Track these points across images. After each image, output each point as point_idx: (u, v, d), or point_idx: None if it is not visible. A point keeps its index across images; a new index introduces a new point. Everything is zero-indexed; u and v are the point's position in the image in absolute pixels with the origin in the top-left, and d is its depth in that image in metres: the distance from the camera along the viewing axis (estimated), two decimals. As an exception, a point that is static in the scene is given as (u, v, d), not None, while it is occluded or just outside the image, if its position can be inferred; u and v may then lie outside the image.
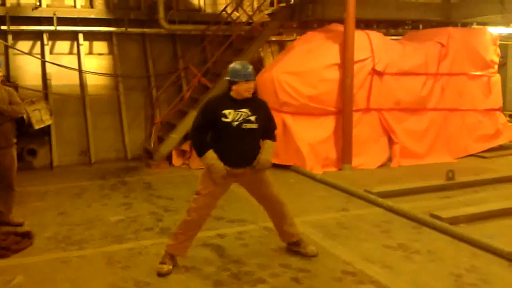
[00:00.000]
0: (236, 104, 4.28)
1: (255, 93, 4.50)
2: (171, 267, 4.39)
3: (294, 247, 4.82)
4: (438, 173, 7.63)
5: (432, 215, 5.74)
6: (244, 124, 4.26)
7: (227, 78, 4.32)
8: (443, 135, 9.42)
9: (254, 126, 4.31)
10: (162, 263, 4.40)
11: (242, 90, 4.26)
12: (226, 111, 4.23)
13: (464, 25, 11.63)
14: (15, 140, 5.72)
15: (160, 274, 4.32)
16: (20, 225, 5.70)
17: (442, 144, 9.40)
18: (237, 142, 4.30)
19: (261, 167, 4.44)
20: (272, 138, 4.60)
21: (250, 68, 4.34)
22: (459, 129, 9.58)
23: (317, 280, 4.26)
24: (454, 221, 5.61)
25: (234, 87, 4.28)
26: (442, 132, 9.41)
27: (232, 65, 4.36)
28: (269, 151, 4.49)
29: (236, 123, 4.23)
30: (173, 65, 10.49)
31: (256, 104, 4.41)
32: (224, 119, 4.22)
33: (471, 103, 9.72)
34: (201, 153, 4.29)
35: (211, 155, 4.25)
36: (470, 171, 8.18)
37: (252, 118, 4.28)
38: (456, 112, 9.58)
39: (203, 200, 4.38)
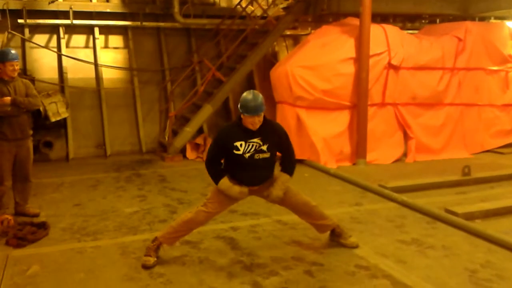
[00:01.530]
0: (247, 134, 4.27)
1: (266, 119, 4.36)
2: (156, 259, 4.40)
3: (335, 238, 4.85)
4: (454, 169, 7.56)
5: (447, 211, 5.69)
6: (257, 155, 4.28)
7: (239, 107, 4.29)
8: (459, 130, 9.32)
9: (266, 155, 4.32)
10: (148, 255, 4.39)
11: (247, 122, 4.25)
12: (237, 143, 4.24)
13: (482, 19, 11.48)
14: (31, 132, 5.79)
15: (147, 267, 4.32)
16: (36, 215, 5.78)
17: (458, 140, 9.30)
18: (250, 169, 4.35)
19: (271, 201, 4.49)
20: (290, 172, 4.51)
21: (258, 102, 4.18)
22: (475, 125, 9.47)
23: (330, 273, 4.25)
24: (470, 216, 5.55)
25: (242, 117, 4.28)
26: (459, 128, 9.31)
27: (243, 95, 4.26)
28: (281, 187, 4.44)
29: (248, 154, 4.26)
30: (188, 59, 10.52)
31: (268, 131, 4.34)
32: (236, 152, 4.25)
33: (488, 98, 9.60)
34: (216, 182, 4.36)
35: (226, 183, 4.32)
36: (487, 167, 8.10)
37: (264, 147, 4.29)
38: (473, 107, 9.47)
39: (213, 206, 4.44)
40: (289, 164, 4.54)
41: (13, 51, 5.57)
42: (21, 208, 5.82)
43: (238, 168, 4.34)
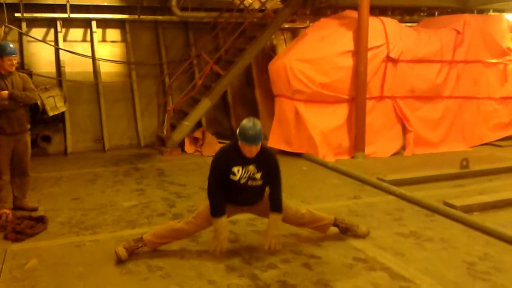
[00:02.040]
0: (244, 159, 4.29)
1: (264, 147, 4.37)
2: (127, 257, 4.37)
3: (346, 233, 4.89)
4: (453, 162, 7.56)
5: (446, 203, 5.70)
6: (250, 181, 4.34)
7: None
8: (458, 123, 9.32)
9: (259, 183, 4.38)
10: (125, 248, 4.38)
11: (245, 150, 4.26)
12: (235, 169, 4.29)
13: (480, 11, 11.45)
14: (29, 126, 5.78)
15: (118, 259, 4.31)
16: (35, 209, 5.78)
17: (456, 133, 9.31)
18: (243, 193, 4.43)
19: (271, 245, 4.44)
20: (279, 209, 4.48)
21: (257, 131, 4.17)
22: (474, 118, 9.47)
23: (328, 266, 4.26)
24: (468, 209, 5.56)
25: (240, 144, 4.26)
26: (457, 121, 9.32)
27: (243, 122, 4.25)
28: (276, 225, 4.47)
29: (243, 180, 4.32)
30: (186, 52, 10.49)
31: (263, 159, 4.35)
32: (232, 177, 4.30)
33: (486, 91, 9.60)
34: (214, 215, 4.34)
35: (222, 222, 4.33)
36: (485, 159, 8.11)
37: (257, 175, 4.34)
38: (471, 100, 9.47)
39: (202, 222, 4.46)
40: (278, 200, 4.50)
41: (11, 45, 5.55)
42: (20, 202, 5.82)
43: (231, 190, 4.38)
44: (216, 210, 4.34)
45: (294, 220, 4.70)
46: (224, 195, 4.38)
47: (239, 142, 4.25)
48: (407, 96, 8.96)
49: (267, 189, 4.52)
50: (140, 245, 4.46)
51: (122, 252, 4.34)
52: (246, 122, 4.24)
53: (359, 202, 6.12)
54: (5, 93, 5.39)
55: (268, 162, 4.40)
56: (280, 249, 4.47)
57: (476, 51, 9.42)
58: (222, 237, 4.35)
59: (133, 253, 4.42)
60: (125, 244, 4.43)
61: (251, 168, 4.31)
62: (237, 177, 4.29)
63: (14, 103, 5.46)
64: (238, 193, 4.41)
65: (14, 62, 5.55)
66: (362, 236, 4.86)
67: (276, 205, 4.48)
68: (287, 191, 6.43)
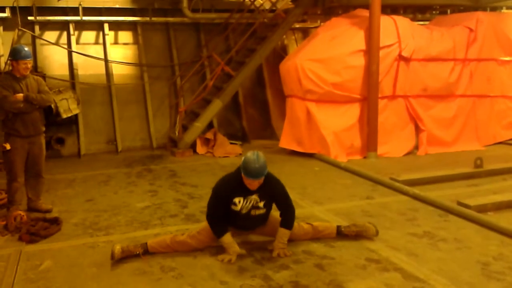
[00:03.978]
0: (247, 189, 4.31)
1: (268, 174, 4.33)
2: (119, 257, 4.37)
3: (358, 237, 4.82)
4: (466, 161, 7.50)
5: (460, 203, 5.64)
6: (253, 211, 4.39)
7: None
8: (471, 122, 9.23)
9: (262, 211, 4.43)
10: (123, 250, 4.37)
11: (246, 183, 4.26)
12: (236, 199, 4.32)
13: (493, 9, 11.34)
14: (43, 129, 5.83)
15: (113, 256, 4.32)
16: (49, 211, 5.83)
17: (470, 132, 9.22)
18: (245, 221, 4.50)
19: (280, 254, 4.45)
20: (290, 226, 4.50)
21: (260, 166, 4.15)
22: (487, 116, 9.38)
23: (341, 267, 4.24)
24: (482, 209, 5.51)
25: (243, 176, 4.25)
26: (471, 119, 9.23)
27: (247, 155, 4.21)
28: (282, 240, 4.47)
29: (245, 211, 4.36)
30: (197, 54, 10.53)
31: (267, 188, 4.35)
32: (233, 207, 4.34)
33: (500, 89, 9.50)
34: (219, 236, 4.39)
35: (228, 239, 4.37)
36: (499, 158, 8.02)
37: (261, 204, 4.37)
38: (484, 98, 9.38)
39: (205, 238, 4.52)
40: (290, 219, 4.51)
41: (25, 49, 5.59)
42: (34, 204, 5.88)
43: (232, 218, 4.44)
44: (219, 232, 4.38)
45: (298, 237, 4.71)
46: (225, 220, 4.41)
47: (242, 175, 4.23)
48: (420, 95, 8.89)
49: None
50: (138, 252, 4.43)
51: (118, 252, 4.35)
52: (250, 156, 4.20)
53: (372, 202, 6.09)
54: (20, 95, 5.45)
55: (272, 189, 4.40)
56: (290, 255, 4.46)
57: (489, 49, 9.33)
58: (231, 251, 4.38)
59: (127, 257, 4.40)
60: (124, 246, 4.43)
61: (254, 197, 4.34)
62: (238, 208, 4.34)
63: (30, 105, 5.52)
64: (239, 221, 4.48)
65: (29, 65, 5.59)
66: (372, 237, 4.81)
67: (287, 223, 4.51)
68: (299, 192, 6.45)
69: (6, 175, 5.67)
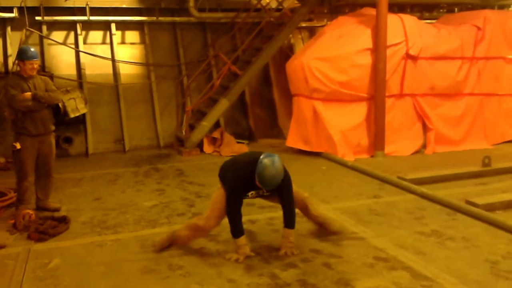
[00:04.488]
0: (258, 186, 4.39)
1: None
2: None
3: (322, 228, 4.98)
4: (474, 160, 7.46)
5: (468, 202, 5.62)
6: (260, 197, 4.67)
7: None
8: (479, 120, 9.19)
9: (268, 196, 4.65)
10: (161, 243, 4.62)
11: (260, 186, 4.32)
12: (249, 193, 4.49)
13: (501, 7, 11.26)
14: (53, 128, 5.86)
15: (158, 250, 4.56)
16: (57, 210, 5.87)
17: (478, 130, 9.18)
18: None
19: (288, 253, 4.50)
20: (292, 226, 4.56)
21: (274, 179, 4.19)
22: (495, 115, 9.33)
23: (348, 265, 4.23)
24: (490, 207, 5.48)
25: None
26: (478, 118, 9.18)
27: (265, 163, 4.15)
28: (288, 239, 4.53)
29: (254, 196, 4.58)
30: (204, 53, 10.54)
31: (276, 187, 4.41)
32: (245, 197, 4.53)
33: (508, 87, 9.44)
34: (235, 236, 4.43)
35: (242, 241, 4.43)
36: (507, 157, 7.97)
37: (267, 193, 4.55)
38: (492, 97, 9.33)
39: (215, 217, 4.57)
40: (291, 217, 4.55)
41: (32, 49, 5.63)
42: (43, 202, 5.91)
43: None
44: (237, 232, 4.42)
45: (300, 201, 4.79)
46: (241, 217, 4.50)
47: (256, 181, 4.26)
48: (427, 94, 8.85)
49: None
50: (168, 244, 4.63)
51: (159, 244, 4.60)
52: (269, 166, 4.15)
53: (379, 201, 6.07)
54: (28, 94, 5.49)
55: (280, 187, 4.41)
56: (297, 254, 4.47)
57: (497, 47, 9.27)
58: (241, 252, 4.40)
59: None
60: (159, 239, 4.66)
61: (263, 190, 4.46)
62: (249, 197, 4.54)
63: (38, 103, 5.54)
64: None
65: (36, 66, 5.62)
66: (335, 233, 4.90)
67: (289, 222, 4.54)
68: (307, 190, 6.33)
69: (16, 174, 5.69)
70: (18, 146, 5.52)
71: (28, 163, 5.62)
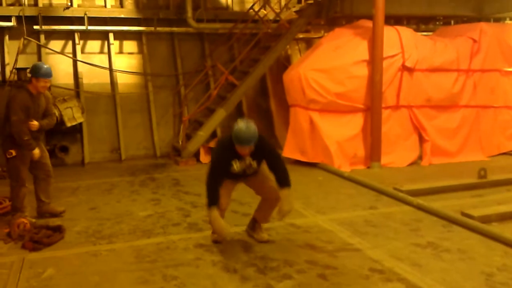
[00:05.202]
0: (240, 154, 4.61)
1: (259, 141, 4.58)
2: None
3: (251, 231, 5.11)
4: (470, 172, 7.46)
5: (463, 214, 5.62)
6: (248, 170, 4.73)
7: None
8: (475, 132, 9.21)
9: (254, 169, 4.75)
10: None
11: (238, 150, 4.54)
12: (233, 162, 4.62)
13: (497, 20, 11.37)
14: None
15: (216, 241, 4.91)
16: (62, 213, 5.92)
17: (474, 142, 9.20)
18: (240, 176, 4.82)
19: (283, 216, 4.67)
20: (288, 184, 4.71)
21: (249, 134, 4.42)
22: (491, 127, 9.36)
23: (344, 277, 4.22)
24: (486, 219, 5.48)
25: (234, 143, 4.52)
26: (474, 130, 9.21)
27: (238, 125, 4.46)
28: (288, 200, 4.68)
29: (242, 171, 4.70)
30: (201, 63, 10.57)
31: (258, 149, 4.60)
32: (231, 169, 4.65)
33: (504, 100, 9.48)
34: (210, 204, 4.59)
35: (214, 213, 4.55)
36: (503, 169, 8.00)
37: (254, 164, 4.68)
38: (488, 109, 9.37)
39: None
40: (284, 176, 4.72)
41: (45, 66, 5.51)
42: (46, 207, 5.90)
43: (230, 174, 4.72)
44: (212, 200, 4.56)
45: (267, 191, 4.89)
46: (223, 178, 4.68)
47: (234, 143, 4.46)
48: (424, 105, 8.89)
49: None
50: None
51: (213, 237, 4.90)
52: (241, 125, 4.45)
53: (375, 212, 6.07)
54: (36, 125, 5.50)
55: (262, 149, 4.62)
56: (291, 209, 4.76)
57: (493, 59, 9.33)
58: (216, 227, 4.56)
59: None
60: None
61: (248, 159, 4.60)
62: (235, 169, 4.64)
63: (34, 132, 5.57)
64: (236, 176, 4.78)
65: (48, 84, 5.61)
66: (260, 241, 4.97)
67: (284, 181, 4.69)
68: (303, 201, 6.44)
69: (12, 182, 5.65)
70: (14, 153, 5.50)
71: (25, 169, 5.62)
